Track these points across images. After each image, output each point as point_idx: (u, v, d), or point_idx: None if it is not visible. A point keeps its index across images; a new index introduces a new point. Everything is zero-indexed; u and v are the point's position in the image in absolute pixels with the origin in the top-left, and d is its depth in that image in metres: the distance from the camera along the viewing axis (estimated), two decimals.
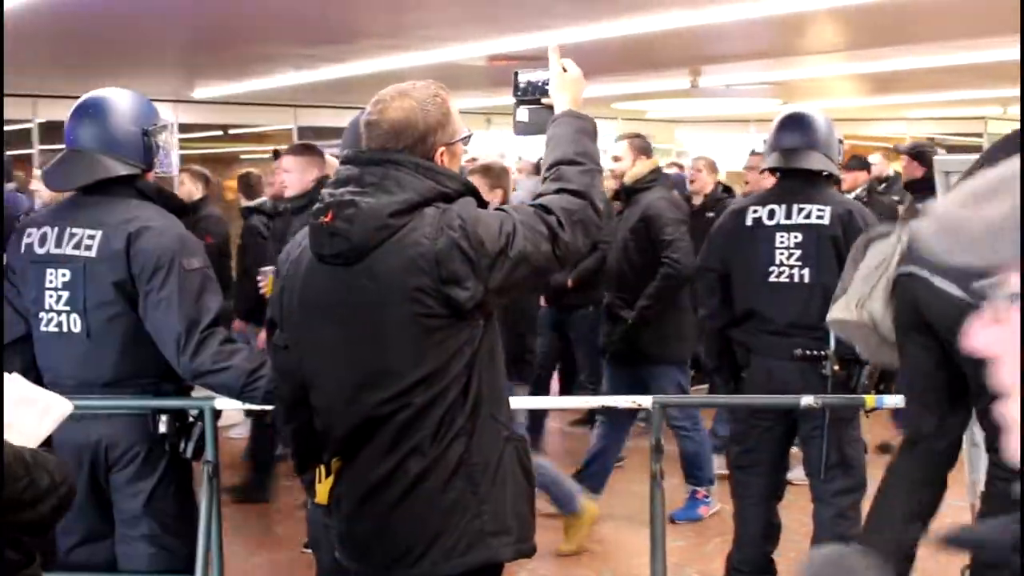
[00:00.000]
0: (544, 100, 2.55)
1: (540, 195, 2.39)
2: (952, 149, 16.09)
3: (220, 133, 11.55)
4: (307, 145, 5.40)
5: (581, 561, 5.01)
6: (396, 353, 2.26)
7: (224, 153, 11.88)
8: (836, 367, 3.86)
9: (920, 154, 5.99)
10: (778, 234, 3.96)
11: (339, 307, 2.32)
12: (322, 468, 2.41)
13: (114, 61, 7.96)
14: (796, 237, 3.95)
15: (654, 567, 3.08)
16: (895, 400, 3.40)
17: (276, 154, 5.63)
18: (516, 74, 2.58)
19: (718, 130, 15.54)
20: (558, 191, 2.36)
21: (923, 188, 5.47)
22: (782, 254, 3.95)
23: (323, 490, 2.40)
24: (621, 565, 5.01)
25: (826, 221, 3.95)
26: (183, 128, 10.86)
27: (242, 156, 12.22)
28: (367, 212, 2.24)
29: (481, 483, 2.30)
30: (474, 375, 2.29)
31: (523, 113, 2.58)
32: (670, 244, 5.14)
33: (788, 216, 3.97)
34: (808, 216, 3.95)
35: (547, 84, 2.53)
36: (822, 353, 3.85)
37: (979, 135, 15.99)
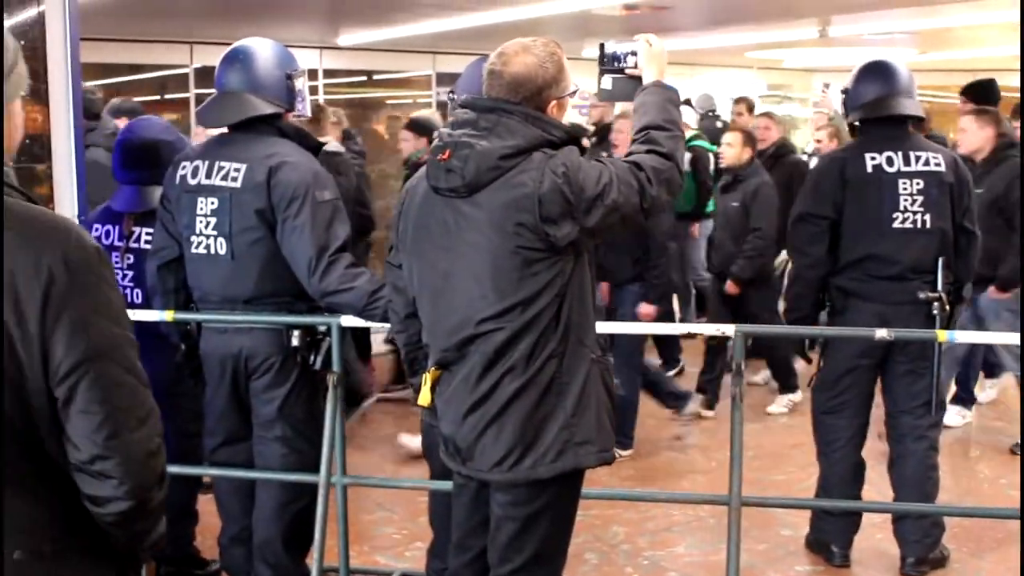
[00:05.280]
0: (628, 71, 2.83)
1: (631, 154, 2.66)
2: None
3: (364, 79, 11.89)
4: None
5: (655, 478, 5.28)
6: (496, 279, 2.55)
7: (369, 98, 12.23)
8: (947, 308, 4.01)
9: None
10: (900, 181, 4.06)
11: (448, 234, 2.61)
12: (426, 375, 2.74)
13: (264, 9, 8.35)
14: (918, 184, 4.06)
15: (732, 480, 3.31)
16: (965, 336, 3.53)
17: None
18: (602, 46, 2.85)
19: None
20: (648, 151, 2.64)
21: None
22: (906, 200, 4.05)
23: (424, 393, 2.74)
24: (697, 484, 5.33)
25: (943, 168, 4.09)
26: (328, 73, 11.26)
27: (387, 101, 12.57)
28: (480, 153, 2.53)
29: (570, 400, 2.59)
30: (565, 304, 2.57)
31: (607, 81, 2.88)
32: None
33: (907, 163, 4.07)
34: (927, 163, 4.07)
35: (629, 56, 2.82)
36: (938, 295, 4.01)
37: None
